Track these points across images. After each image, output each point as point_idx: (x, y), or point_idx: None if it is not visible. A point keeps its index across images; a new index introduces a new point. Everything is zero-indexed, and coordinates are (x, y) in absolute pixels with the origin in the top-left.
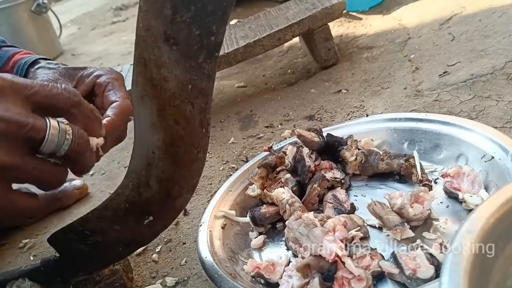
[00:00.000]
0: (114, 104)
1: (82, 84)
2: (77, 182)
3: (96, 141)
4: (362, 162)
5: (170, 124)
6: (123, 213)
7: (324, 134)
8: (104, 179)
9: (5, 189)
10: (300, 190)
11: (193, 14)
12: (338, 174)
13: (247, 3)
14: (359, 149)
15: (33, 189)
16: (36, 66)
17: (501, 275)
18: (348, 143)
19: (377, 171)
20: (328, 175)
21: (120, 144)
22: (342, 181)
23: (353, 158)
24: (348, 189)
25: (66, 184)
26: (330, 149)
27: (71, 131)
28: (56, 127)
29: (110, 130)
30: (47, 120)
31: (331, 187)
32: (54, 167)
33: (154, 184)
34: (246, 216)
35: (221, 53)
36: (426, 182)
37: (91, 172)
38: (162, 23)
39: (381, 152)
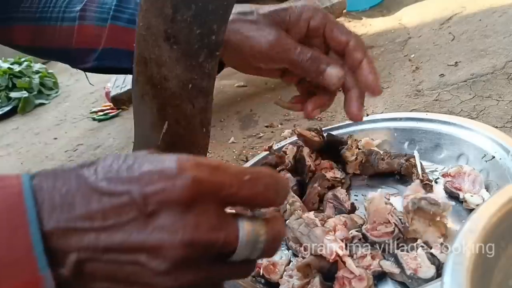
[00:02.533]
0: (352, 46)
1: (295, 29)
2: None
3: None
4: (363, 161)
5: (170, 123)
6: None
7: (325, 134)
8: None
9: None
10: (300, 190)
11: (194, 13)
12: (338, 174)
13: (248, 2)
14: (359, 149)
15: None
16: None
17: (503, 275)
18: (348, 142)
19: (377, 171)
20: (329, 174)
21: (120, 143)
22: (343, 180)
23: (353, 157)
24: (348, 189)
25: None
26: (331, 149)
27: (264, 233)
28: (248, 236)
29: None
30: (240, 224)
31: (332, 187)
32: (241, 266)
33: None
34: None
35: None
36: (427, 182)
37: None
38: (162, 22)
39: (381, 152)
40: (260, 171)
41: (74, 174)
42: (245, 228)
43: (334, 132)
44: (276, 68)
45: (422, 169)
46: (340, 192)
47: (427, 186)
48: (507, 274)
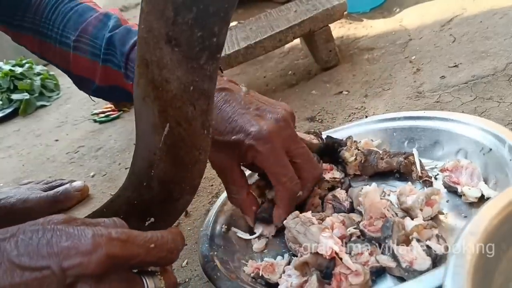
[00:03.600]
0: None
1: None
2: (78, 183)
3: None
4: (362, 162)
5: (171, 125)
6: (124, 214)
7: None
8: (105, 180)
9: None
10: None
11: (195, 16)
12: (337, 174)
13: (248, 4)
14: (359, 150)
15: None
16: None
17: (504, 278)
18: (347, 144)
19: (377, 170)
20: (328, 176)
21: (121, 145)
22: (342, 180)
23: (352, 158)
24: (348, 189)
25: (66, 186)
26: (330, 151)
27: (164, 284)
28: (152, 285)
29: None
30: (145, 283)
31: (331, 188)
32: None
33: (155, 185)
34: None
35: (222, 54)
36: (426, 179)
37: (92, 173)
38: (164, 24)
39: (380, 151)
40: (163, 237)
41: None
42: (149, 284)
43: (333, 135)
44: None
45: (421, 166)
46: (339, 193)
47: (427, 182)
48: (508, 276)
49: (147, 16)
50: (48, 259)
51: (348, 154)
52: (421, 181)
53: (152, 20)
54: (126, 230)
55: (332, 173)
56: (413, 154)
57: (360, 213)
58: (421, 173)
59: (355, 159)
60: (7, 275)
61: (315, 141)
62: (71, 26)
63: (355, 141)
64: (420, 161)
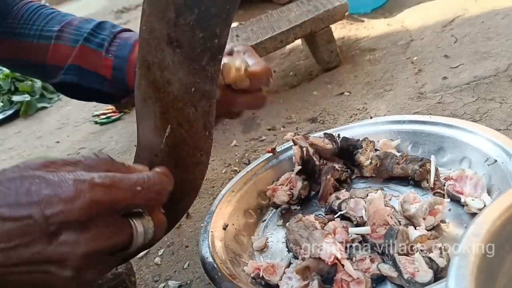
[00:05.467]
0: (254, 64)
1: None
2: None
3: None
4: (378, 166)
5: (173, 127)
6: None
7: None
8: None
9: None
10: (310, 186)
11: (197, 17)
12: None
13: (249, 5)
14: (377, 150)
15: None
16: None
17: (507, 278)
18: (363, 146)
19: (392, 175)
20: (337, 165)
21: (122, 146)
22: (348, 170)
23: (368, 162)
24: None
25: None
26: (345, 154)
27: (153, 226)
28: (141, 231)
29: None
30: (133, 224)
31: (338, 179)
32: (137, 251)
33: None
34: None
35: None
36: (438, 190)
37: None
38: (165, 25)
39: (398, 155)
40: (150, 179)
41: None
42: (138, 227)
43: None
44: None
45: (437, 175)
46: (344, 195)
47: (438, 194)
48: (511, 277)
49: (149, 17)
50: (29, 208)
51: (363, 158)
52: (432, 192)
53: (153, 22)
54: (110, 174)
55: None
56: (429, 162)
57: (349, 218)
58: (434, 184)
59: (371, 163)
60: None
61: (329, 145)
62: (55, 21)
63: (371, 141)
64: (437, 170)
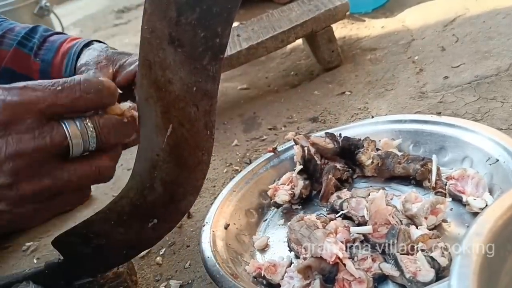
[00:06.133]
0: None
1: (123, 71)
2: None
3: (125, 107)
4: (379, 165)
5: (174, 126)
6: (127, 215)
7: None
8: None
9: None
10: (311, 185)
11: (198, 16)
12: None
13: (250, 5)
14: (378, 149)
15: None
16: (87, 48)
17: (510, 278)
18: (364, 145)
19: (393, 175)
20: (338, 165)
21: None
22: (350, 170)
23: (369, 161)
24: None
25: None
26: (346, 153)
27: (92, 126)
28: (75, 131)
29: None
30: (64, 126)
31: (340, 179)
32: (92, 161)
33: (158, 186)
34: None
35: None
36: (440, 190)
37: None
38: (167, 25)
39: (399, 154)
40: (74, 79)
41: None
42: (71, 126)
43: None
44: None
45: (438, 175)
46: (345, 194)
47: (440, 194)
48: None
49: (150, 16)
50: None
51: (364, 157)
52: (434, 191)
53: (155, 21)
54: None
55: (343, 163)
56: (431, 161)
57: (350, 218)
58: (436, 183)
59: (372, 162)
60: None
61: (330, 145)
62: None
63: (373, 141)
64: (438, 169)
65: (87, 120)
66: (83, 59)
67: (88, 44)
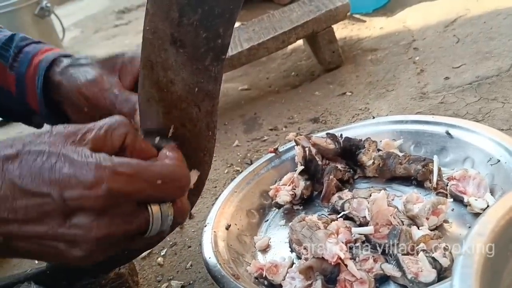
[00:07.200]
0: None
1: (127, 73)
2: None
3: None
4: (380, 166)
5: (176, 127)
6: None
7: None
8: None
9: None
10: (312, 186)
11: (200, 17)
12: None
13: (251, 5)
14: (379, 150)
15: None
16: (64, 65)
17: None
18: (365, 146)
19: (394, 175)
20: (339, 165)
21: None
22: (351, 170)
23: (370, 162)
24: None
25: None
26: (348, 154)
27: (171, 212)
28: (158, 218)
29: None
30: (150, 211)
31: (341, 179)
32: (155, 237)
33: None
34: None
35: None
36: (441, 190)
37: None
38: (169, 25)
39: (400, 155)
40: (173, 173)
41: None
42: (154, 214)
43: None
44: (98, 113)
45: (440, 175)
46: (347, 195)
47: (441, 195)
48: None
49: (152, 17)
50: (49, 186)
51: (365, 158)
52: (435, 192)
53: (157, 21)
54: (133, 162)
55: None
56: (432, 162)
57: (352, 218)
58: (437, 184)
59: (373, 163)
60: (8, 196)
61: (331, 146)
62: None
63: (374, 141)
64: (440, 170)
65: (169, 206)
66: (82, 79)
67: (55, 61)
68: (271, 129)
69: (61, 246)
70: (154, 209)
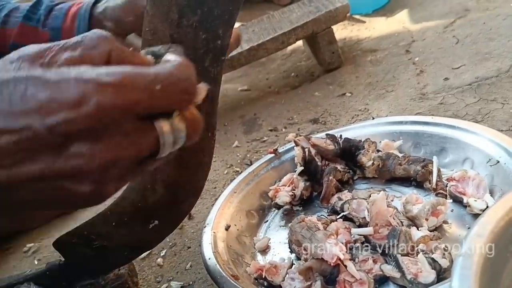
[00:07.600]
0: None
1: None
2: None
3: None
4: (380, 166)
5: None
6: (128, 217)
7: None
8: None
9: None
10: (312, 187)
11: (200, 18)
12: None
13: (250, 6)
14: (379, 150)
15: None
16: (103, 2)
17: (511, 279)
18: (365, 146)
19: (394, 176)
20: (339, 166)
21: None
22: (350, 171)
23: (370, 163)
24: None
25: None
26: (347, 155)
27: (184, 128)
28: (168, 134)
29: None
30: (158, 128)
31: (341, 180)
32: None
33: (159, 188)
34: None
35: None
36: (441, 191)
37: None
38: (168, 26)
39: (400, 156)
40: (172, 73)
41: None
42: (164, 130)
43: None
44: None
45: (439, 176)
46: (346, 195)
47: (441, 195)
48: None
49: (152, 18)
50: (26, 117)
51: (365, 159)
52: (435, 193)
53: (157, 23)
54: (120, 68)
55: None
56: (431, 162)
57: (351, 219)
58: (436, 185)
59: (373, 163)
60: None
61: (331, 146)
62: (5, 9)
63: (373, 142)
64: (439, 171)
65: (178, 119)
66: (100, 8)
67: (96, 2)
68: (270, 130)
69: (66, 184)
70: (163, 123)
